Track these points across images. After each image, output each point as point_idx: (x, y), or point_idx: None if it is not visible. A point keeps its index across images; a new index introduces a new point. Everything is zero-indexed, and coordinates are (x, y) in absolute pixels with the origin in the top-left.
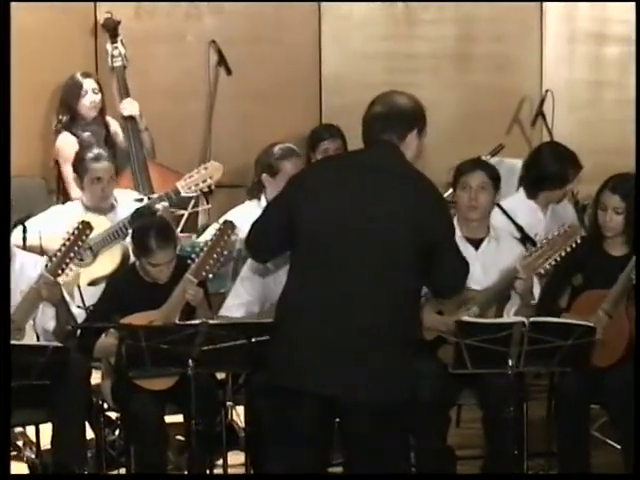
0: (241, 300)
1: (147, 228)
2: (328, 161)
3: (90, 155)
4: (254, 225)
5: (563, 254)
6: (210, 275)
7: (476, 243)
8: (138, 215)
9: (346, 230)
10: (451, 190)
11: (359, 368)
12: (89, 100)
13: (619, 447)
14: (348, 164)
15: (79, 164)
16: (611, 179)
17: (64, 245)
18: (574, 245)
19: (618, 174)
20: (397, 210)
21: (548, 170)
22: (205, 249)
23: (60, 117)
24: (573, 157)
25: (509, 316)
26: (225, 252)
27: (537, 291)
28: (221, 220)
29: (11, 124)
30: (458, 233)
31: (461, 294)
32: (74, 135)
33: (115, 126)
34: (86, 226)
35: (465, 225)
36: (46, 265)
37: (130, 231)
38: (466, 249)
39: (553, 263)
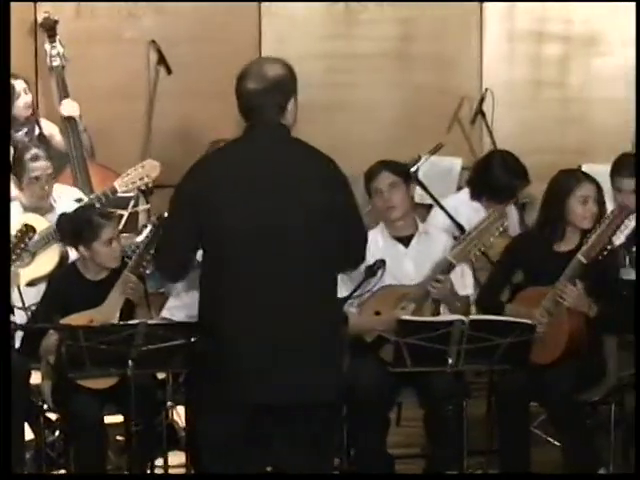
0: (182, 302)
1: (84, 212)
2: (226, 156)
3: (28, 155)
4: (162, 241)
5: (492, 239)
6: (148, 271)
7: (405, 240)
8: (63, 219)
9: (264, 229)
10: None
11: (294, 370)
12: (23, 101)
13: (559, 444)
14: (247, 157)
15: (17, 164)
16: (579, 171)
17: None
18: (502, 229)
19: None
20: (308, 198)
21: (496, 182)
22: (141, 246)
23: None
24: (523, 172)
25: (446, 311)
26: None
27: (470, 282)
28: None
29: None
30: (386, 234)
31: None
32: None
33: (50, 127)
34: (29, 229)
35: (391, 226)
36: None
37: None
38: (395, 248)
39: (482, 249)
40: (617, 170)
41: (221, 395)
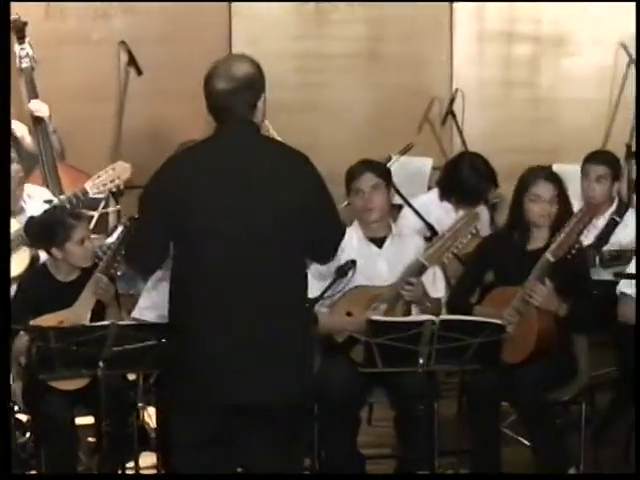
0: (152, 302)
1: (55, 213)
2: (196, 155)
3: None
4: (133, 240)
5: (465, 241)
6: (119, 272)
7: (379, 242)
8: (31, 223)
9: (235, 228)
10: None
11: (265, 370)
12: None
13: (529, 444)
14: (218, 156)
15: None
16: (540, 170)
17: None
18: (474, 231)
19: (543, 166)
20: (279, 196)
21: (465, 184)
22: (112, 247)
23: None
24: (492, 175)
25: (417, 312)
26: None
27: (441, 285)
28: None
29: None
30: (360, 234)
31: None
32: None
33: (21, 128)
34: None
35: (366, 227)
36: None
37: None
38: (369, 248)
39: (455, 251)
40: (588, 158)
41: (192, 395)
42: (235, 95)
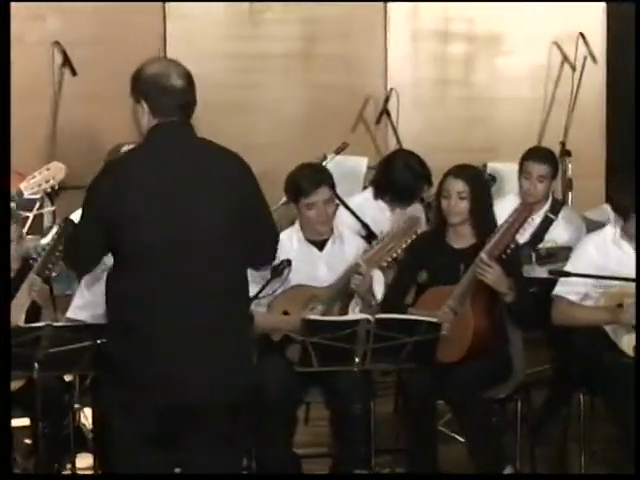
0: (84, 301)
1: None
2: (140, 157)
3: None
4: (72, 239)
5: (404, 246)
6: (54, 273)
7: (320, 244)
8: None
9: (175, 230)
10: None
11: (204, 370)
12: None
13: (465, 442)
14: (160, 159)
15: None
16: (453, 168)
17: None
18: (414, 236)
19: (461, 164)
20: (219, 198)
21: (398, 182)
22: (47, 248)
23: None
24: (426, 173)
25: (354, 314)
26: None
27: (380, 289)
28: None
29: None
30: (300, 236)
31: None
32: None
33: None
34: None
35: (308, 230)
36: None
37: None
38: (310, 250)
39: (395, 255)
40: (529, 156)
41: (131, 396)
42: (192, 93)
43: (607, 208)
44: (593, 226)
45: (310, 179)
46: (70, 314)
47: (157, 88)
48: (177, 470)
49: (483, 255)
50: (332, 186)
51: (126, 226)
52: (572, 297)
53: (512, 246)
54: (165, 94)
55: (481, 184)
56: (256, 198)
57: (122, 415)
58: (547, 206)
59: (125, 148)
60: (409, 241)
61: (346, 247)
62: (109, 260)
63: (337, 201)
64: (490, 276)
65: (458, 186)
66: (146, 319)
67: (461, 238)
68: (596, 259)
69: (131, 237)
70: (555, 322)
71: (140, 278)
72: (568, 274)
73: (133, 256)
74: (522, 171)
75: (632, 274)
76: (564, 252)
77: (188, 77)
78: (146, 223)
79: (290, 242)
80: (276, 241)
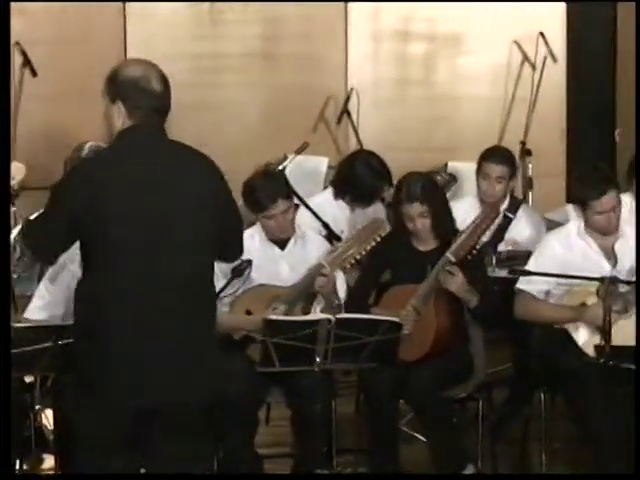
0: (44, 301)
1: None
2: (112, 157)
3: None
4: (37, 225)
5: (368, 248)
6: (15, 275)
7: (281, 244)
8: None
9: (144, 229)
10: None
11: (170, 370)
12: None
13: (426, 441)
14: (133, 159)
15: None
16: (405, 188)
17: None
18: (379, 239)
19: (408, 176)
20: (191, 198)
21: (358, 182)
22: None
23: None
24: (386, 173)
25: (315, 314)
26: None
27: (342, 292)
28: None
29: None
30: (262, 236)
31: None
32: None
33: None
34: None
35: (269, 230)
36: None
37: None
38: (271, 250)
39: (358, 257)
40: (486, 157)
41: (97, 397)
42: (169, 97)
43: (568, 209)
44: (554, 227)
45: (266, 193)
46: (29, 314)
47: (136, 90)
48: (142, 471)
49: (449, 255)
50: (288, 196)
51: (98, 226)
52: (535, 294)
53: (477, 248)
54: (144, 97)
55: (436, 193)
56: (226, 199)
57: (87, 416)
58: (505, 205)
59: (88, 146)
60: (373, 243)
61: (308, 246)
62: (73, 266)
63: (297, 201)
64: (453, 284)
65: (418, 209)
66: (114, 319)
67: (425, 241)
68: (560, 255)
69: (102, 237)
70: (517, 316)
71: (109, 278)
72: (529, 273)
73: (103, 256)
74: (480, 171)
75: (596, 269)
76: (524, 255)
77: (166, 81)
78: (119, 224)
79: (252, 241)
80: (242, 238)
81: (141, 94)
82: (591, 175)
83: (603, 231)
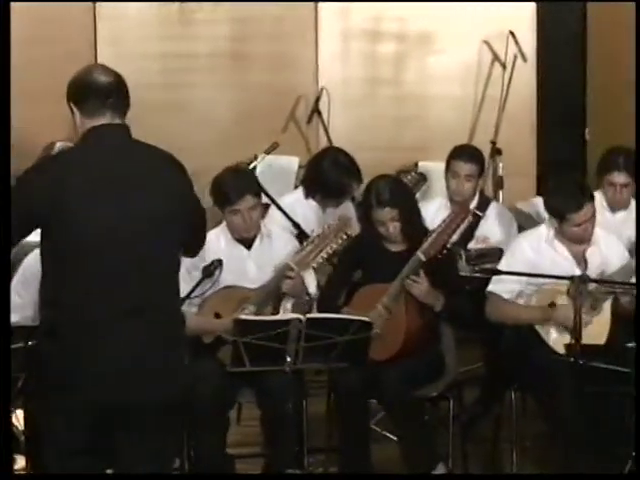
0: (14, 304)
1: None
2: (75, 156)
3: None
4: None
5: (335, 246)
6: None
7: (247, 243)
8: None
9: (110, 229)
10: None
11: (138, 369)
12: None
13: (397, 441)
14: (97, 159)
15: None
16: (376, 193)
17: None
18: (345, 237)
19: (377, 179)
20: (156, 198)
21: (327, 180)
22: None
23: None
24: (355, 170)
25: (286, 313)
26: None
27: (313, 287)
28: None
29: None
30: (228, 236)
31: None
32: None
33: None
34: None
35: (234, 232)
36: None
37: None
38: (238, 250)
39: (325, 256)
40: (455, 155)
41: (64, 398)
42: (119, 91)
43: (537, 201)
44: (523, 218)
45: (234, 187)
46: None
47: (81, 88)
48: (109, 471)
49: (419, 254)
50: (257, 193)
51: (59, 225)
52: (506, 295)
53: (448, 247)
54: (90, 93)
55: (406, 196)
56: (190, 198)
57: (55, 417)
58: (474, 203)
59: (59, 145)
60: (340, 241)
61: (275, 244)
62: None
63: (268, 201)
64: (417, 290)
65: (388, 214)
66: (79, 319)
67: (396, 242)
68: (530, 257)
69: (63, 236)
70: (488, 318)
71: (73, 278)
72: (499, 272)
73: (66, 256)
74: (449, 170)
75: (565, 274)
76: (494, 253)
77: (113, 75)
78: (80, 223)
79: (217, 241)
80: (204, 239)
81: (86, 91)
82: (568, 187)
83: (579, 241)
